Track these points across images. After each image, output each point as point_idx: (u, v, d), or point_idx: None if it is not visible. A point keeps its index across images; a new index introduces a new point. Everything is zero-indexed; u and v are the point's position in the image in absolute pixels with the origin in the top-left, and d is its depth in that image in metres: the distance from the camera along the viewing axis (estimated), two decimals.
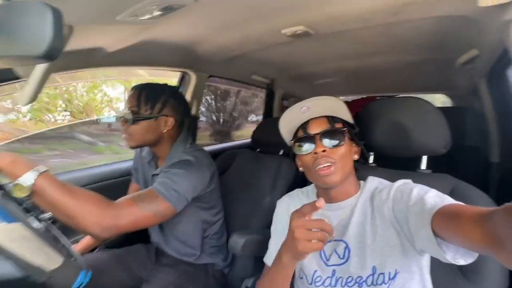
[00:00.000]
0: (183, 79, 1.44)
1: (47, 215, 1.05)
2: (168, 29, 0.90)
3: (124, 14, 0.57)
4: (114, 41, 0.86)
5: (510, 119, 1.21)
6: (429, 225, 0.50)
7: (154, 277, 0.95)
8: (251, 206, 1.23)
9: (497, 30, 0.79)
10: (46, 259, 0.49)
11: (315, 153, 0.66)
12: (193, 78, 1.40)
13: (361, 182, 0.74)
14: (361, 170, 0.78)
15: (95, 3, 0.52)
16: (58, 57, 0.33)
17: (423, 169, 0.87)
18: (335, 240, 0.69)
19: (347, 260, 0.66)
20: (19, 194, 0.58)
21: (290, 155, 0.76)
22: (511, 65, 1.04)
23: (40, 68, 0.58)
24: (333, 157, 0.66)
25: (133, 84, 1.00)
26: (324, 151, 0.66)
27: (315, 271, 0.70)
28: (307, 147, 0.68)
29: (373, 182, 0.72)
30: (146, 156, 1.09)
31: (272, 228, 0.83)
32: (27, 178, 0.58)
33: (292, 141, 0.72)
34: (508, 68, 1.08)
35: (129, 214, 0.71)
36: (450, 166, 1.06)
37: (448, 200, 0.54)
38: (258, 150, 1.50)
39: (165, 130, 0.95)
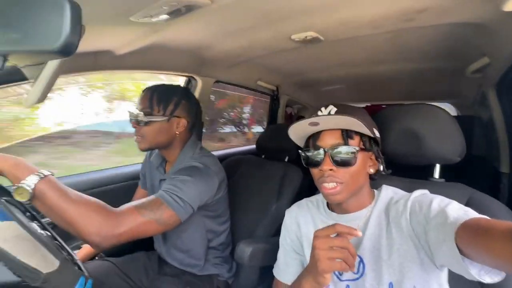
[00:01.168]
0: (189, 83, 1.43)
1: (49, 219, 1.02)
2: (176, 33, 0.89)
3: (138, 14, 0.56)
4: (123, 43, 0.85)
5: None
6: (452, 239, 0.47)
7: None
8: (256, 213, 1.21)
9: (511, 37, 0.78)
10: (42, 261, 0.46)
11: (321, 170, 0.63)
12: (199, 83, 1.39)
13: (375, 191, 0.71)
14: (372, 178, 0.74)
15: (112, 2, 0.51)
16: (73, 53, 0.32)
17: (436, 178, 0.85)
18: None
19: (361, 275, 0.62)
20: (20, 198, 0.55)
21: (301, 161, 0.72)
22: None
23: (48, 70, 0.56)
24: (340, 178, 0.62)
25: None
26: (331, 169, 0.62)
27: (328, 286, 0.66)
28: (314, 161, 0.64)
29: (388, 191, 0.69)
30: (155, 161, 1.06)
31: (281, 239, 0.80)
32: (28, 182, 0.56)
33: (300, 151, 0.68)
34: None
35: (130, 222, 0.68)
36: (458, 176, 1.03)
37: (472, 214, 0.51)
38: (263, 156, 1.48)
39: (177, 132, 0.94)
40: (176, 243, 0.99)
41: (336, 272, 0.66)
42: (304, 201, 0.80)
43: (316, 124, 0.62)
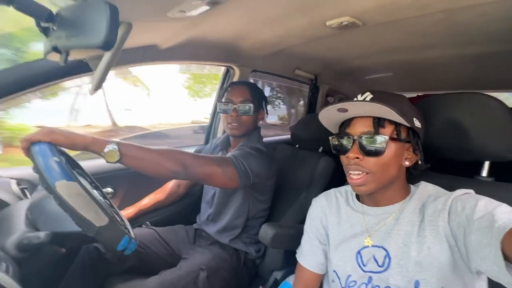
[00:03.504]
0: (227, 73, 1.50)
1: (109, 190, 1.21)
2: (213, 25, 0.94)
3: (173, 10, 0.62)
4: (165, 38, 0.95)
5: None
6: (498, 246, 0.43)
7: (190, 256, 1.03)
8: (286, 201, 1.23)
9: None
10: (95, 216, 0.57)
11: (347, 157, 0.62)
12: (236, 72, 1.45)
13: (411, 186, 0.67)
14: (411, 173, 0.69)
15: (149, 2, 0.58)
16: (112, 47, 0.39)
17: (484, 177, 0.76)
18: (373, 246, 0.64)
19: (386, 269, 0.61)
20: (112, 159, 0.71)
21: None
22: None
23: (103, 62, 0.67)
24: (367, 167, 0.60)
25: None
26: (357, 158, 0.60)
27: (350, 275, 0.66)
28: (342, 147, 0.64)
29: (426, 188, 0.65)
30: (220, 144, 1.21)
31: (306, 226, 0.81)
32: (112, 147, 0.70)
33: (330, 137, 0.68)
34: None
35: (205, 164, 0.82)
36: (510, 176, 0.90)
37: None
38: (297, 146, 1.49)
39: (258, 123, 1.10)
40: (219, 214, 1.11)
41: (359, 262, 0.65)
42: (332, 191, 0.80)
43: (344, 110, 0.61)
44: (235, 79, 1.46)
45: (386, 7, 0.84)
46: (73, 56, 0.47)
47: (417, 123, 0.63)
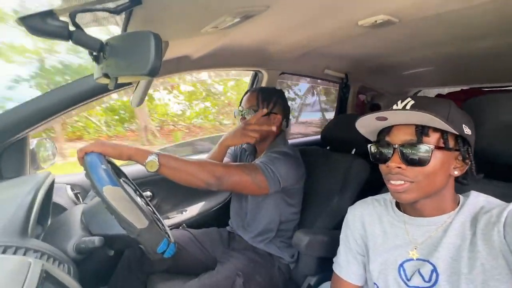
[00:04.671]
0: (255, 77, 1.51)
1: (148, 193, 1.30)
2: (242, 34, 0.96)
3: (206, 28, 0.64)
4: (197, 49, 0.98)
5: None
6: None
7: (226, 260, 1.06)
8: (318, 205, 1.21)
9: None
10: (137, 219, 0.62)
11: (388, 166, 0.59)
12: (265, 75, 1.45)
13: (460, 196, 0.63)
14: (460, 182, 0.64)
15: (184, 22, 0.61)
16: (158, 73, 0.42)
17: None
18: (418, 259, 0.61)
19: (433, 285, 0.58)
20: (152, 169, 0.77)
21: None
22: None
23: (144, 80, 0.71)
24: (410, 176, 0.57)
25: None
26: (399, 167, 0.57)
27: None
28: (381, 156, 0.61)
29: (478, 199, 0.60)
30: (248, 148, 1.24)
31: (342, 236, 0.79)
32: (153, 158, 0.77)
33: (369, 145, 0.65)
34: None
35: (236, 173, 0.85)
36: None
37: None
38: (328, 148, 1.45)
39: (273, 126, 1.09)
40: (253, 221, 1.13)
41: (403, 276, 0.62)
42: (370, 199, 0.76)
43: (384, 119, 0.58)
44: (264, 83, 1.47)
45: (425, 2, 0.78)
46: (121, 81, 0.51)
47: (467, 130, 0.58)
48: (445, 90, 2.18)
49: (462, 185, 0.63)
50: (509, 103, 0.69)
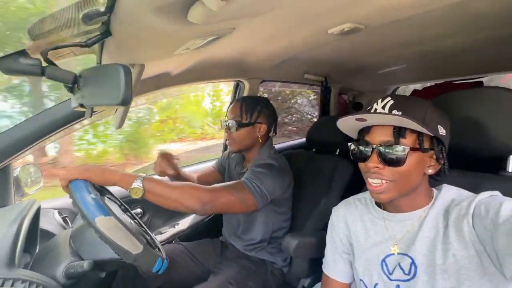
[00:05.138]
0: (237, 87, 1.54)
1: (138, 210, 1.30)
2: (218, 49, 0.99)
3: (179, 50, 0.67)
4: (176, 66, 1.00)
5: None
6: None
7: (219, 270, 1.08)
8: (307, 208, 1.25)
9: None
10: (132, 245, 0.62)
11: (366, 165, 0.62)
12: (246, 85, 1.49)
13: (434, 190, 0.66)
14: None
15: (157, 48, 0.64)
16: (130, 102, 0.44)
17: (509, 172, 0.73)
18: (399, 254, 0.64)
19: (413, 277, 0.61)
20: (137, 196, 0.76)
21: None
22: None
23: None
24: (387, 175, 0.60)
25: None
26: (377, 167, 0.60)
27: (376, 283, 0.67)
28: (361, 155, 0.63)
29: (449, 192, 0.63)
30: (236, 158, 1.25)
31: (328, 237, 0.82)
32: (137, 184, 0.75)
33: (349, 144, 0.67)
34: None
35: (222, 196, 0.85)
36: None
37: None
38: (313, 150, 1.49)
39: (259, 135, 1.11)
40: (245, 234, 1.14)
41: (385, 271, 0.66)
42: (352, 199, 0.80)
43: (364, 120, 0.61)
44: (245, 91, 1.50)
45: (387, 11, 0.83)
46: (97, 109, 0.53)
47: (442, 131, 0.61)
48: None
49: (435, 181, 0.66)
50: (475, 99, 0.74)
